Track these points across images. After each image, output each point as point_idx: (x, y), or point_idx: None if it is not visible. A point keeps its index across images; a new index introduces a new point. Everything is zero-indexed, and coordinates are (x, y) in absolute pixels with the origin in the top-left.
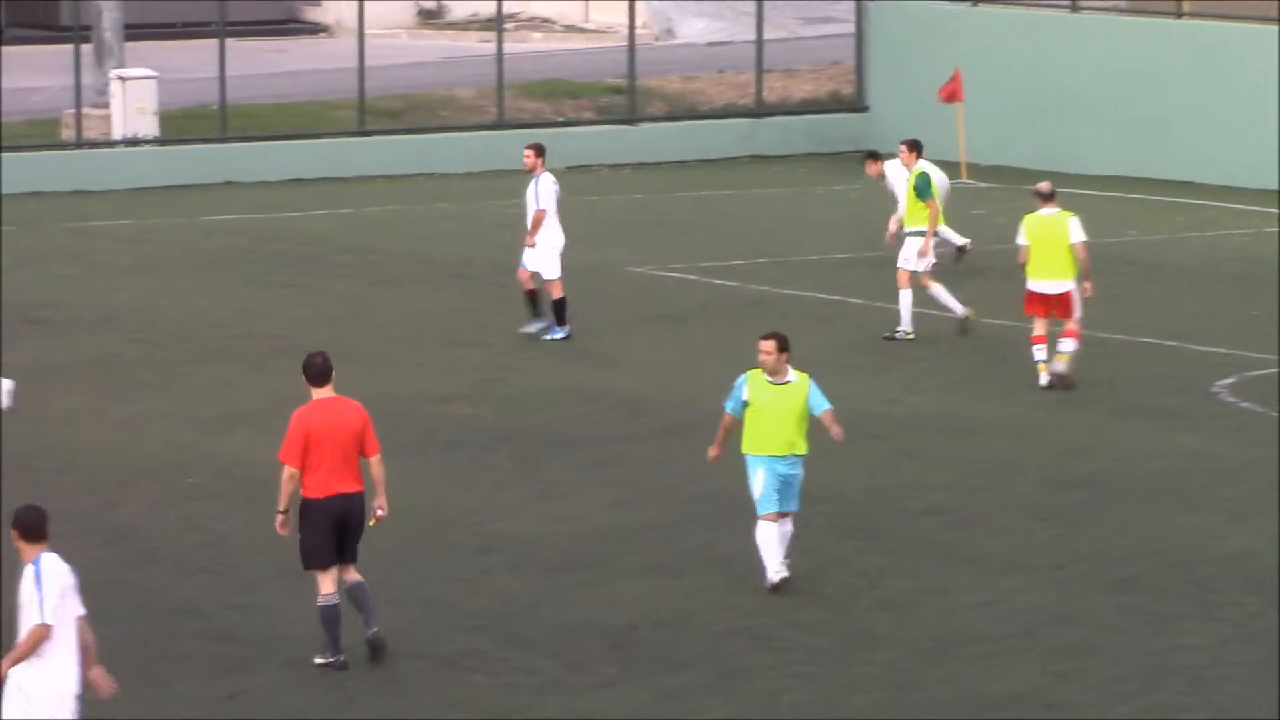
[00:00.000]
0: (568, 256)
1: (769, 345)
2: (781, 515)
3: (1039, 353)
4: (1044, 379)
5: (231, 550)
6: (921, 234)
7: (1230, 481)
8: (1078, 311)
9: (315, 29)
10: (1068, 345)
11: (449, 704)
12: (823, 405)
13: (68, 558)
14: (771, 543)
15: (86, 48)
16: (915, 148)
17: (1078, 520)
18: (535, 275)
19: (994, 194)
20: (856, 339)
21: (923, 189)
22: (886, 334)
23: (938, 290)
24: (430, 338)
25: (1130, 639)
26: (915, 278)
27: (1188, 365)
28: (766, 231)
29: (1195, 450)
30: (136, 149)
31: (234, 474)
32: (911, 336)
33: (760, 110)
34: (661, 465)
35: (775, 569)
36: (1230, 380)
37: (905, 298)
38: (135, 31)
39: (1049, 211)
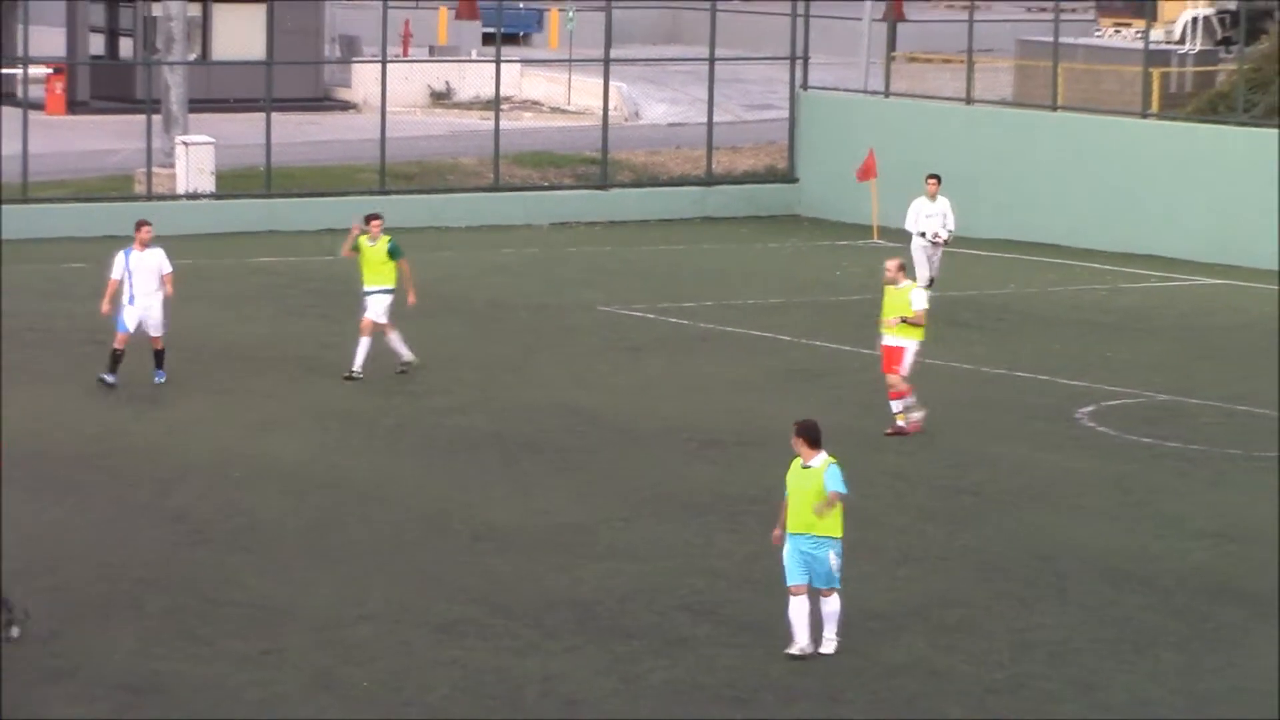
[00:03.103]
0: (546, 296)
1: (793, 431)
2: (820, 592)
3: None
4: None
5: (265, 532)
6: (388, 291)
7: (1088, 492)
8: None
9: (346, 106)
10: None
11: (445, 663)
12: (831, 487)
13: (130, 537)
14: (799, 616)
15: (156, 117)
16: (379, 218)
17: (961, 522)
18: (141, 332)
19: (900, 252)
20: (786, 369)
21: (395, 252)
22: (346, 374)
23: (394, 338)
24: (434, 361)
25: (1001, 619)
26: (378, 327)
27: (1055, 396)
28: (713, 280)
29: (1059, 466)
30: (196, 202)
31: (270, 469)
32: (360, 376)
33: (710, 180)
34: (620, 468)
35: (799, 643)
36: (1089, 409)
37: (364, 344)
38: (197, 104)
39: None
